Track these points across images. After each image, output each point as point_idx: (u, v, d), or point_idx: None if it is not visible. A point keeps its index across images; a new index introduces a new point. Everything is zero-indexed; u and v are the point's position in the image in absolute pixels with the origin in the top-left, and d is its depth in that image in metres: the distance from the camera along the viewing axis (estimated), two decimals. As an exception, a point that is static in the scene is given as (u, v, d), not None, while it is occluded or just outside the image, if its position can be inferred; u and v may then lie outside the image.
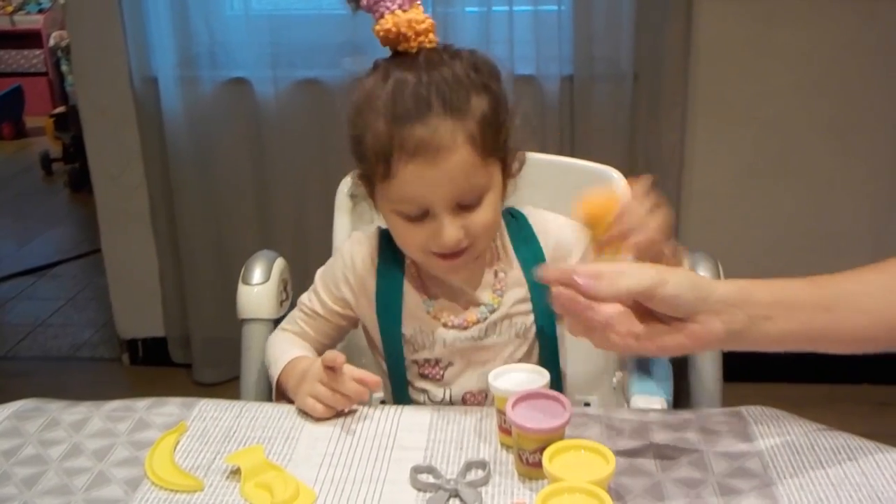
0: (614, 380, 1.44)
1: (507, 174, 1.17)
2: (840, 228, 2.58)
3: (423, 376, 1.25)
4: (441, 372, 1.24)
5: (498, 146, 1.13)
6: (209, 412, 1.13)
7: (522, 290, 1.23)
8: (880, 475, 0.97)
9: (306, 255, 2.53)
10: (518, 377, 1.07)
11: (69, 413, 1.13)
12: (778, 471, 0.98)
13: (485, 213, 1.13)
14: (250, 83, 2.54)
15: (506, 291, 1.23)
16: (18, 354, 3.12)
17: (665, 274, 0.92)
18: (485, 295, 1.22)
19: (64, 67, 5.24)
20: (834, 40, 2.42)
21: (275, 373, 1.22)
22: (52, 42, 5.64)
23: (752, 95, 2.48)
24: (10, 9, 6.17)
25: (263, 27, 2.51)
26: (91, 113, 2.70)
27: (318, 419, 1.11)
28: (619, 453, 1.01)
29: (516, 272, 1.23)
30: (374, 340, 1.28)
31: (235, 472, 1.01)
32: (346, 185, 1.51)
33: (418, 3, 1.11)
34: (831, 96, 2.47)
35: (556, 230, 1.25)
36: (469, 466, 1.00)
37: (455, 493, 0.96)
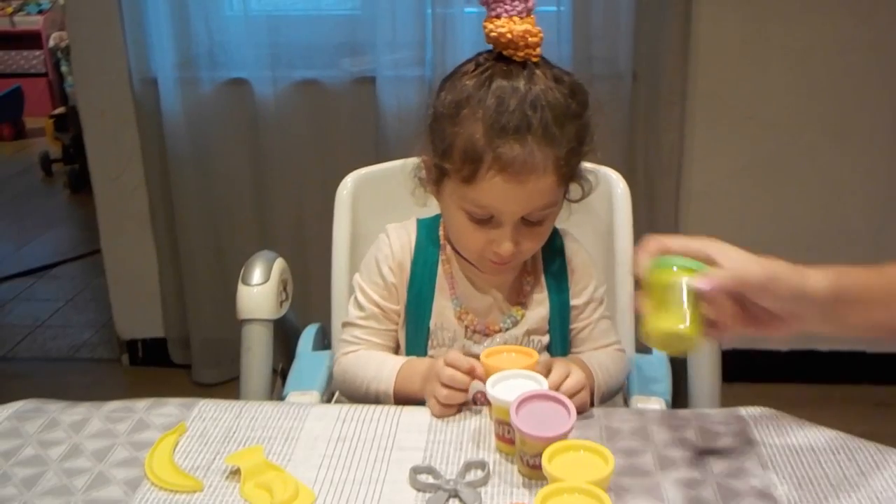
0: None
1: (565, 196, 1.21)
2: (839, 227, 2.58)
3: None
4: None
5: (575, 173, 1.19)
6: (209, 413, 1.13)
7: (544, 311, 1.27)
8: (879, 476, 0.97)
9: (306, 255, 2.53)
10: (515, 384, 1.07)
11: (69, 414, 1.14)
12: (777, 471, 0.98)
13: (543, 231, 1.19)
14: (250, 84, 2.54)
15: (529, 306, 1.27)
16: (18, 355, 3.12)
17: (769, 270, 0.94)
18: (510, 306, 1.27)
19: (64, 68, 5.24)
20: (832, 40, 2.42)
21: (385, 385, 1.22)
22: (51, 43, 5.64)
23: (750, 95, 2.48)
24: (9, 10, 6.17)
25: (263, 28, 2.51)
26: (91, 114, 2.70)
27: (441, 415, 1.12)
28: (618, 453, 1.01)
29: (542, 292, 1.28)
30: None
31: (235, 473, 1.01)
32: (345, 184, 1.51)
33: (533, 14, 1.13)
34: (830, 96, 2.47)
35: (584, 271, 1.31)
36: (468, 467, 1.00)
37: (454, 494, 0.96)
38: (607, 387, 1.25)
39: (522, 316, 1.26)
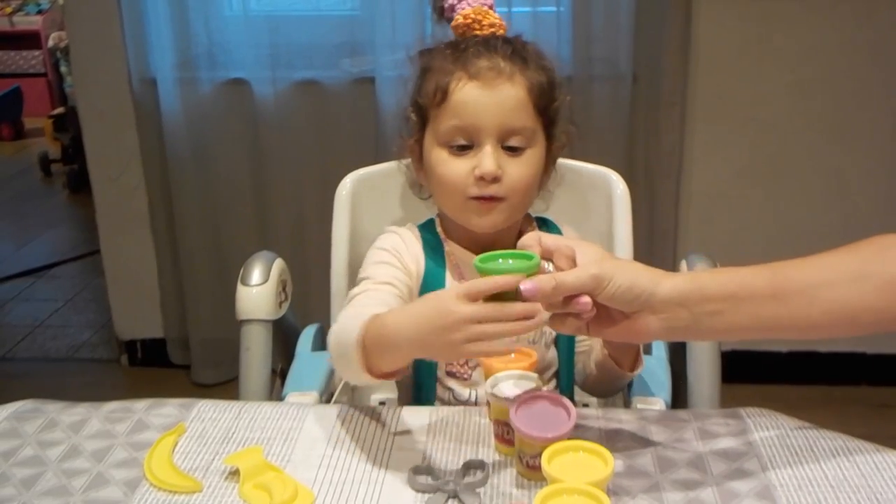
0: (613, 381, 1.44)
1: (550, 147, 1.22)
2: (839, 228, 2.58)
3: (451, 374, 1.26)
4: (469, 371, 1.25)
5: (548, 113, 1.19)
6: (208, 413, 1.13)
7: None
8: (879, 477, 0.97)
9: (305, 255, 2.53)
10: (515, 384, 1.06)
11: (68, 414, 1.13)
12: (777, 472, 0.98)
13: (524, 166, 1.17)
14: (249, 84, 2.54)
15: None
16: (17, 355, 3.12)
17: (609, 272, 0.93)
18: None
19: (63, 68, 5.25)
20: (832, 41, 2.43)
21: (352, 338, 1.01)
22: (50, 43, 5.65)
23: (750, 96, 2.49)
24: (9, 10, 6.17)
25: (262, 28, 2.51)
26: (90, 114, 2.70)
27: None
28: (617, 454, 1.01)
29: None
30: None
31: (234, 473, 1.01)
32: (345, 184, 1.51)
33: (492, 6, 1.22)
34: (829, 97, 2.47)
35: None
36: (468, 467, 1.00)
37: (454, 495, 0.95)
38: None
39: None
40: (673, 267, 2.19)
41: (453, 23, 1.21)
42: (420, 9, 2.38)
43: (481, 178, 1.14)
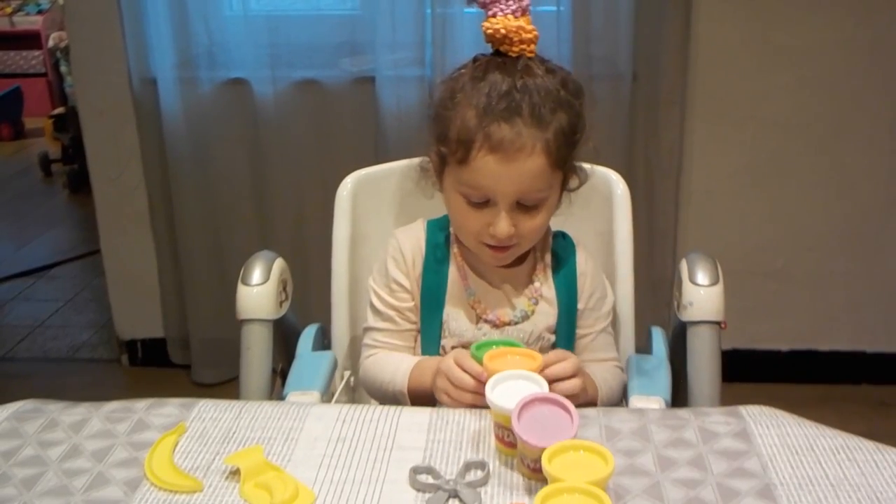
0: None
1: (564, 186, 1.25)
2: (838, 227, 2.58)
3: None
4: None
5: (567, 160, 1.22)
6: (208, 413, 1.13)
7: (553, 311, 1.31)
8: (879, 476, 0.97)
9: (305, 255, 2.53)
10: (515, 386, 1.07)
11: (68, 414, 1.13)
12: (777, 471, 0.98)
13: (539, 218, 1.21)
14: (249, 83, 2.54)
15: (539, 302, 1.31)
16: (17, 356, 3.12)
17: None
18: (520, 300, 1.31)
19: (63, 68, 5.25)
20: (831, 40, 2.42)
21: (400, 386, 1.27)
22: (51, 43, 5.65)
23: (750, 95, 2.48)
24: (9, 10, 6.17)
25: (262, 27, 2.51)
26: (90, 114, 2.70)
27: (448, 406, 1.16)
28: (618, 453, 1.01)
29: (550, 291, 1.32)
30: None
31: (235, 473, 1.01)
32: (345, 184, 1.51)
33: (528, 13, 1.19)
34: (829, 96, 2.47)
35: (593, 280, 1.35)
36: (468, 467, 1.00)
37: (454, 494, 0.96)
38: (608, 399, 1.30)
39: (533, 311, 1.30)
40: (673, 266, 2.20)
41: (486, 26, 1.18)
42: (420, 8, 2.38)
43: (495, 237, 1.19)
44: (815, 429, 1.06)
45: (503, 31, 1.17)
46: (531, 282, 1.31)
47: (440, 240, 1.32)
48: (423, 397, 1.23)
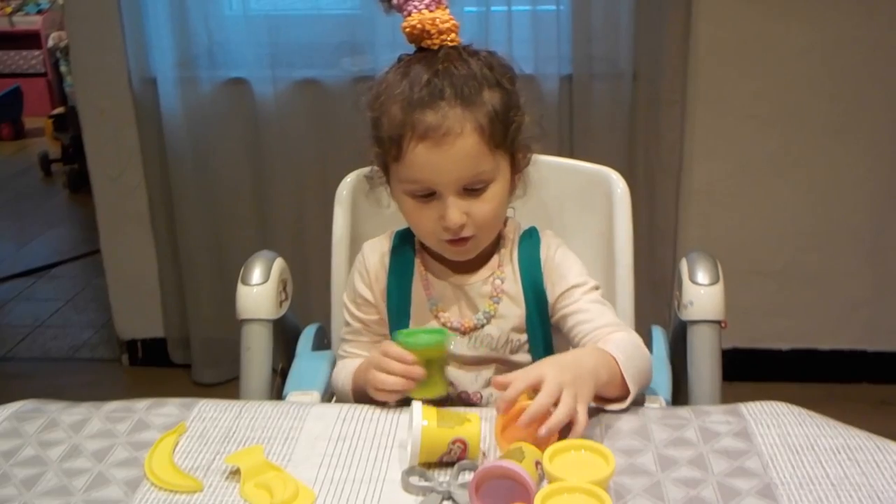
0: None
1: (515, 169, 1.22)
2: (839, 226, 2.58)
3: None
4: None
5: (506, 140, 1.18)
6: (208, 413, 1.13)
7: (519, 309, 1.26)
8: (880, 475, 0.97)
9: (305, 255, 2.53)
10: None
11: (69, 414, 1.13)
12: (778, 470, 0.98)
13: (489, 203, 1.18)
14: (249, 83, 2.54)
15: (502, 301, 1.26)
16: (18, 355, 3.12)
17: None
18: (483, 301, 1.26)
19: (63, 68, 5.23)
20: (832, 37, 2.42)
21: (347, 389, 1.28)
22: (50, 43, 5.64)
23: (751, 93, 2.48)
24: (8, 9, 6.16)
25: (262, 27, 2.51)
26: (90, 113, 2.70)
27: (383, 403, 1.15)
28: (618, 453, 1.01)
29: (516, 286, 1.27)
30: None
31: (235, 473, 1.01)
32: (345, 184, 1.51)
33: (445, 5, 1.18)
34: (830, 94, 2.47)
35: (561, 264, 1.28)
36: (461, 468, 1.00)
37: (448, 496, 0.96)
38: (636, 368, 1.13)
39: (495, 311, 1.26)
40: (673, 265, 2.20)
41: (404, 26, 1.18)
42: (420, 8, 2.38)
43: (448, 228, 1.17)
44: (816, 428, 1.06)
45: (419, 25, 1.16)
46: (493, 280, 1.26)
47: (405, 251, 1.30)
48: (365, 397, 1.19)
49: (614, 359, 1.11)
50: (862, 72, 2.44)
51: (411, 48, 1.22)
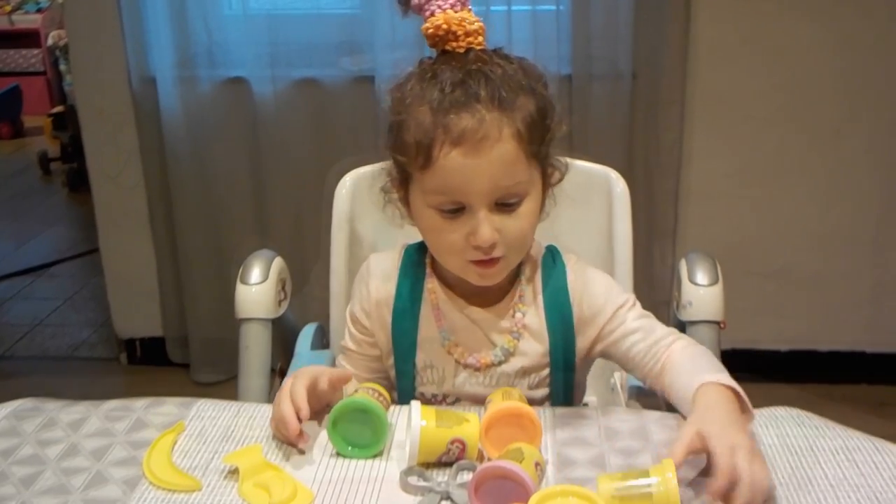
0: (612, 380, 1.44)
1: (546, 185, 1.13)
2: (839, 226, 2.58)
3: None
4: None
5: (541, 150, 1.09)
6: (207, 412, 1.13)
7: (541, 346, 1.16)
8: (878, 476, 0.97)
9: (304, 254, 2.53)
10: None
11: (67, 413, 1.13)
12: (776, 471, 0.98)
13: (523, 220, 1.08)
14: (248, 83, 2.54)
15: (522, 337, 1.16)
16: (16, 354, 3.12)
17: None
18: (501, 337, 1.16)
19: (62, 67, 5.24)
20: (831, 39, 2.42)
21: None
22: (50, 41, 5.64)
23: (750, 94, 2.48)
24: (8, 8, 6.16)
25: (262, 27, 2.51)
26: (89, 112, 2.70)
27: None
28: (617, 453, 1.01)
29: (539, 321, 1.17)
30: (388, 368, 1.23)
31: (233, 472, 1.01)
32: (344, 183, 1.51)
33: (469, 7, 1.09)
34: (830, 94, 2.47)
35: (590, 286, 1.18)
36: (460, 469, 1.00)
37: (446, 496, 0.95)
38: (719, 369, 1.08)
39: (514, 348, 1.16)
40: (672, 265, 2.19)
41: (427, 27, 1.07)
42: (420, 7, 2.38)
43: (478, 247, 1.06)
44: (814, 429, 1.06)
45: (445, 25, 1.05)
46: (514, 314, 1.16)
47: (416, 273, 1.18)
48: None
49: (728, 388, 1.02)
50: (861, 72, 2.44)
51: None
